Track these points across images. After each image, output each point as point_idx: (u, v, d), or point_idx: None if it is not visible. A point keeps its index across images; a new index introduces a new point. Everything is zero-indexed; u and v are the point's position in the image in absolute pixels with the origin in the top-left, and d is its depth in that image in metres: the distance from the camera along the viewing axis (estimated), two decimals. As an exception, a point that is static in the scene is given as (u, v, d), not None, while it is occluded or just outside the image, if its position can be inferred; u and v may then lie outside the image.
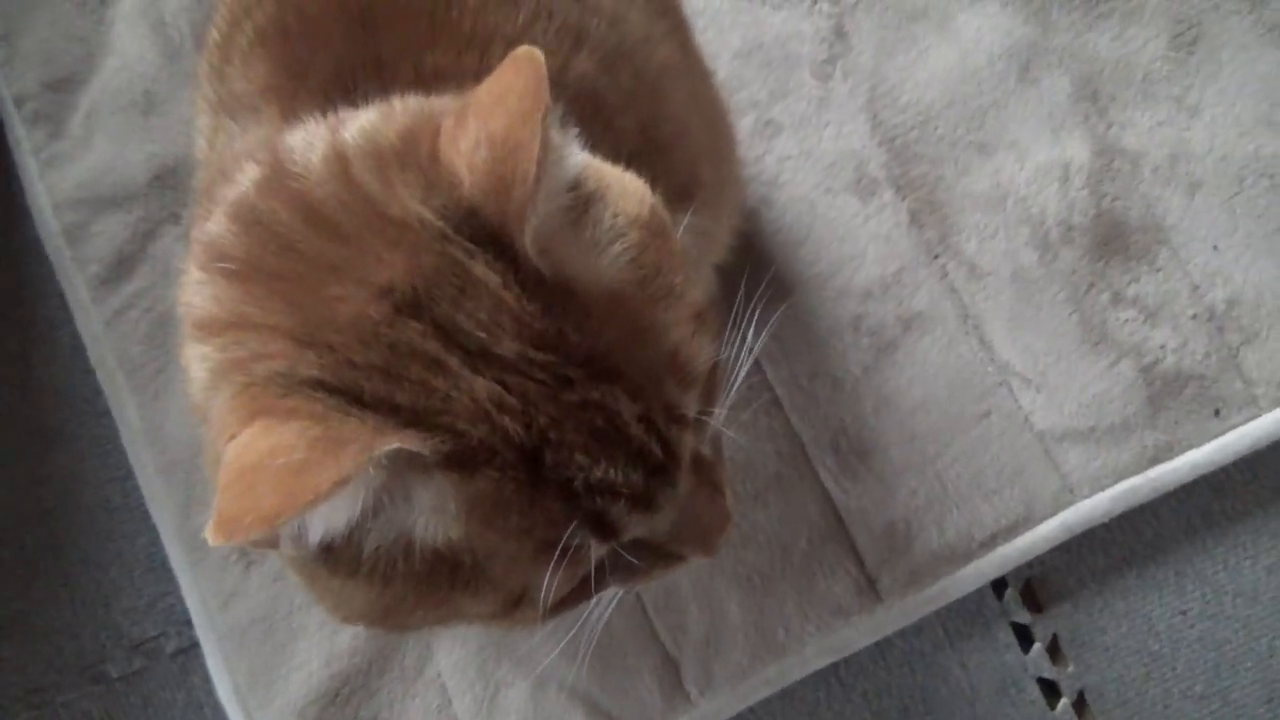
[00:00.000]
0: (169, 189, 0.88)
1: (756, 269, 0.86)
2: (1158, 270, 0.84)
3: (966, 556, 0.82)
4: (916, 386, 0.84)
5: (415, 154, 0.43)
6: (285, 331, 0.41)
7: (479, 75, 0.44)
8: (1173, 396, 0.83)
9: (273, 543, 0.41)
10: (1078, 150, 0.86)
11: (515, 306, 0.41)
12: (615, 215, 0.45)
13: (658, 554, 0.49)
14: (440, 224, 0.41)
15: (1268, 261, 0.84)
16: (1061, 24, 0.88)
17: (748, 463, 0.84)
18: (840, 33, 0.88)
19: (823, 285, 0.86)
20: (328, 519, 0.41)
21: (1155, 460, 0.83)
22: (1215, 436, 0.83)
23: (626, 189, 0.47)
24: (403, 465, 0.40)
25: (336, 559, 0.43)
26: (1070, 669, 0.84)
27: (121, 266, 0.88)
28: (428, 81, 0.49)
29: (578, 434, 0.41)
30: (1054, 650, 0.84)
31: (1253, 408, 0.83)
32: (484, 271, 0.41)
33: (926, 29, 0.88)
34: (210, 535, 0.39)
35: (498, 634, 0.83)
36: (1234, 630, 0.85)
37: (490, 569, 0.44)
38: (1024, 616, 0.84)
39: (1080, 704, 0.84)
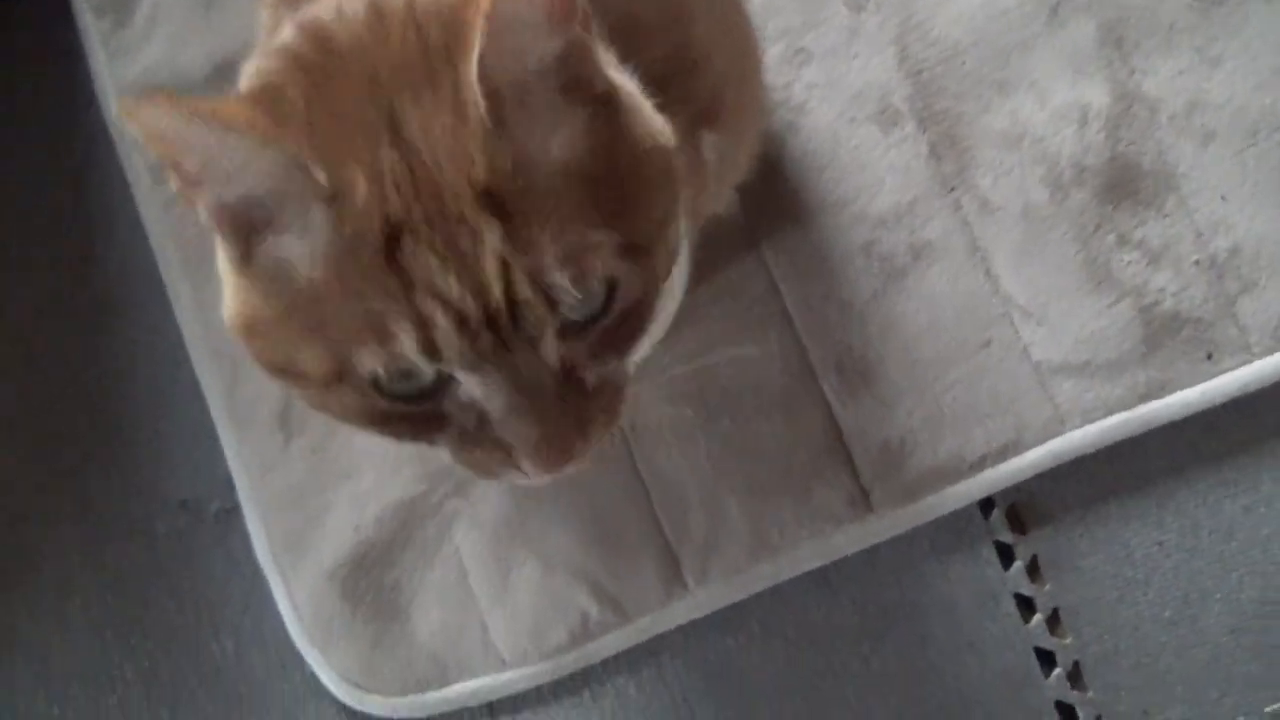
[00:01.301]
0: (227, 82, 0.92)
1: (778, 192, 0.90)
2: (1165, 216, 0.87)
3: (957, 475, 0.87)
4: (922, 313, 0.88)
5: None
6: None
7: None
8: (1169, 337, 0.87)
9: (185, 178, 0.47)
10: (1098, 94, 0.88)
11: (448, 117, 0.45)
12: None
13: (490, 436, 0.50)
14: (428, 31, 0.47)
15: (1273, 214, 0.86)
16: (1094, -32, 0.89)
17: (756, 375, 0.89)
18: (876, -35, 0.91)
19: (839, 211, 0.89)
20: (229, 175, 0.46)
21: (1146, 397, 0.87)
22: (1207, 378, 0.86)
23: (650, 125, 0.51)
24: (299, 179, 0.45)
25: (232, 237, 0.48)
26: (1047, 588, 0.89)
27: (181, 154, 0.93)
28: None
29: (443, 239, 0.45)
30: (1033, 570, 0.89)
31: (1245, 353, 0.86)
32: (442, 77, 0.46)
33: (960, -34, 0.90)
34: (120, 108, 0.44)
35: (510, 510, 0.90)
36: (1207, 563, 0.89)
37: (327, 323, 0.46)
38: (1007, 536, 0.89)
39: (1054, 620, 0.89)
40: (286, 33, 0.50)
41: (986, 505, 0.90)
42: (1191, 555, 0.90)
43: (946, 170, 0.89)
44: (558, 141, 0.47)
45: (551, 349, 0.48)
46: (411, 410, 0.50)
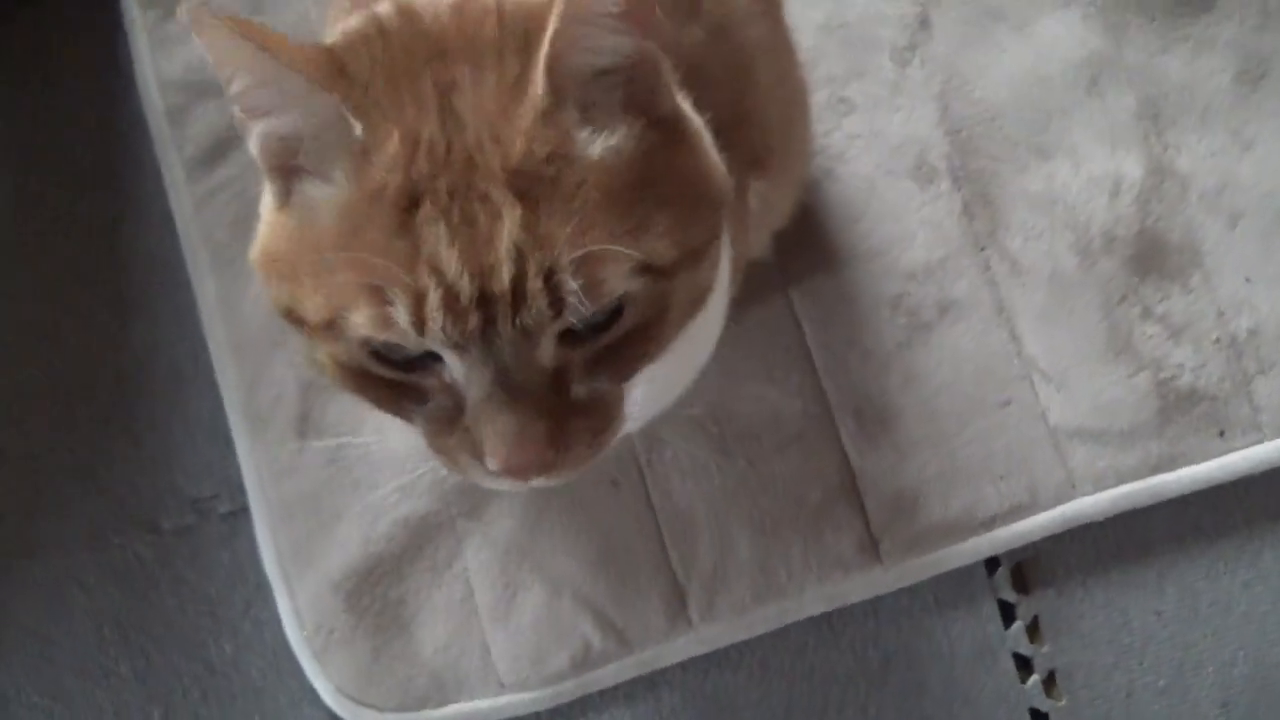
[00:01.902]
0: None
1: (810, 237, 0.91)
2: (1189, 292, 0.89)
3: (966, 532, 0.88)
4: (944, 368, 0.89)
5: None
6: None
7: None
8: (1183, 412, 0.88)
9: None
10: (1132, 166, 0.90)
11: (505, 99, 0.46)
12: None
13: (463, 425, 0.49)
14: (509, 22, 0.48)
15: (1294, 299, 0.88)
16: (1137, 43, 0.91)
17: (775, 415, 0.90)
18: (924, 22, 0.92)
19: (871, 261, 0.90)
20: (277, 109, 0.47)
21: (1157, 469, 0.88)
22: (1217, 455, 0.88)
23: (707, 160, 0.52)
24: (338, 128, 0.46)
25: (274, 171, 0.49)
26: (1045, 649, 0.90)
27: (216, 152, 0.93)
28: None
29: (460, 212, 0.45)
30: (1033, 629, 0.90)
31: (1257, 433, 0.88)
32: (510, 63, 0.47)
33: (1006, 30, 0.92)
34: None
35: (521, 533, 0.90)
36: (1203, 635, 0.91)
37: (333, 276, 0.46)
38: (1010, 595, 0.90)
39: (1049, 681, 0.90)
40: (383, 4, 0.51)
41: (992, 562, 0.91)
42: (1188, 627, 0.91)
43: (979, 229, 0.90)
44: (603, 144, 0.47)
45: (548, 350, 0.47)
46: (396, 378, 0.49)
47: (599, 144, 0.47)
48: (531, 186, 0.45)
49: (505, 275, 0.44)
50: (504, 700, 0.89)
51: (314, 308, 0.47)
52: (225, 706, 0.92)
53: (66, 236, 0.96)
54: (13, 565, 0.94)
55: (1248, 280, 0.88)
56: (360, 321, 0.45)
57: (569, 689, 0.89)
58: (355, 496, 0.90)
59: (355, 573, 0.89)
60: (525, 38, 0.47)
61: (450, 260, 0.44)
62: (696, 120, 0.53)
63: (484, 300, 0.45)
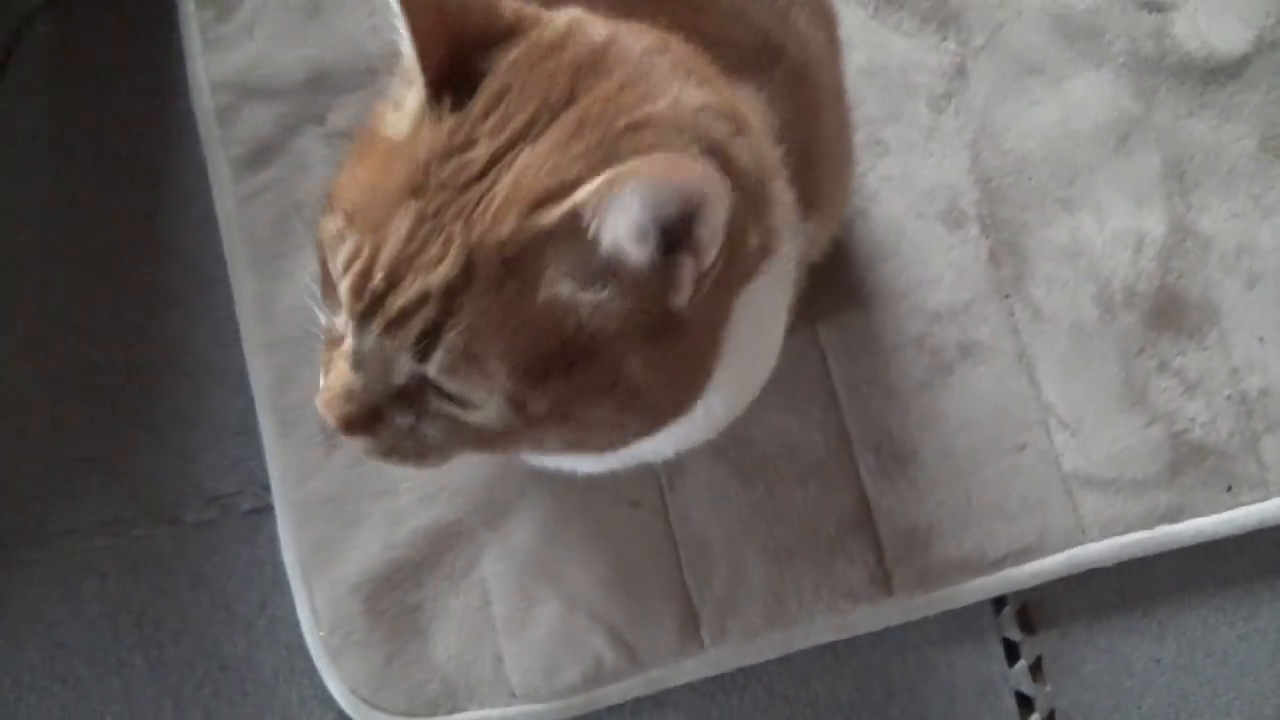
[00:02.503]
0: (319, 92, 0.95)
1: (839, 273, 0.93)
2: (1204, 349, 0.91)
3: (977, 570, 0.90)
4: (963, 409, 0.91)
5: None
6: None
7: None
8: (1193, 465, 0.90)
9: None
10: (1155, 224, 0.92)
11: (550, 161, 0.49)
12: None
13: (331, 355, 0.56)
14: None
15: (1305, 362, 0.91)
16: (1166, 105, 0.94)
17: (796, 446, 0.91)
18: (961, 71, 0.95)
19: (898, 300, 0.92)
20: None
21: (1164, 519, 0.90)
22: (1224, 509, 0.90)
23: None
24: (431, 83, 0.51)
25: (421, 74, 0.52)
26: (1047, 689, 0.92)
27: (262, 153, 0.95)
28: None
29: (424, 233, 0.49)
30: (1035, 669, 0.92)
31: (1263, 490, 0.90)
32: (586, 135, 0.50)
33: (1040, 84, 0.94)
34: None
35: (539, 546, 0.91)
36: (1200, 684, 0.93)
37: (352, 166, 0.54)
38: (1015, 634, 0.92)
39: (1049, 721, 0.92)
40: (566, 14, 0.54)
41: (999, 601, 0.93)
42: (1186, 675, 0.93)
43: (1004, 276, 0.92)
44: (560, 295, 0.49)
45: (400, 372, 0.52)
46: (333, 281, 0.53)
47: (560, 289, 0.49)
48: (482, 267, 0.48)
49: (400, 303, 0.49)
50: (514, 710, 0.90)
51: (336, 178, 0.54)
52: (236, 703, 0.93)
53: (105, 228, 0.97)
54: (31, 551, 0.94)
55: (1261, 340, 0.91)
56: (330, 225, 0.52)
57: (578, 703, 0.90)
58: (378, 502, 0.91)
59: (374, 576, 0.91)
60: (612, 144, 0.49)
61: (385, 255, 0.49)
62: (713, 334, 0.55)
63: (381, 298, 0.50)
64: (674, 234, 0.48)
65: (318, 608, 0.91)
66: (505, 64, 0.51)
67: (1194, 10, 0.95)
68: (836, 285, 0.93)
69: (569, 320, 0.50)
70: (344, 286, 0.51)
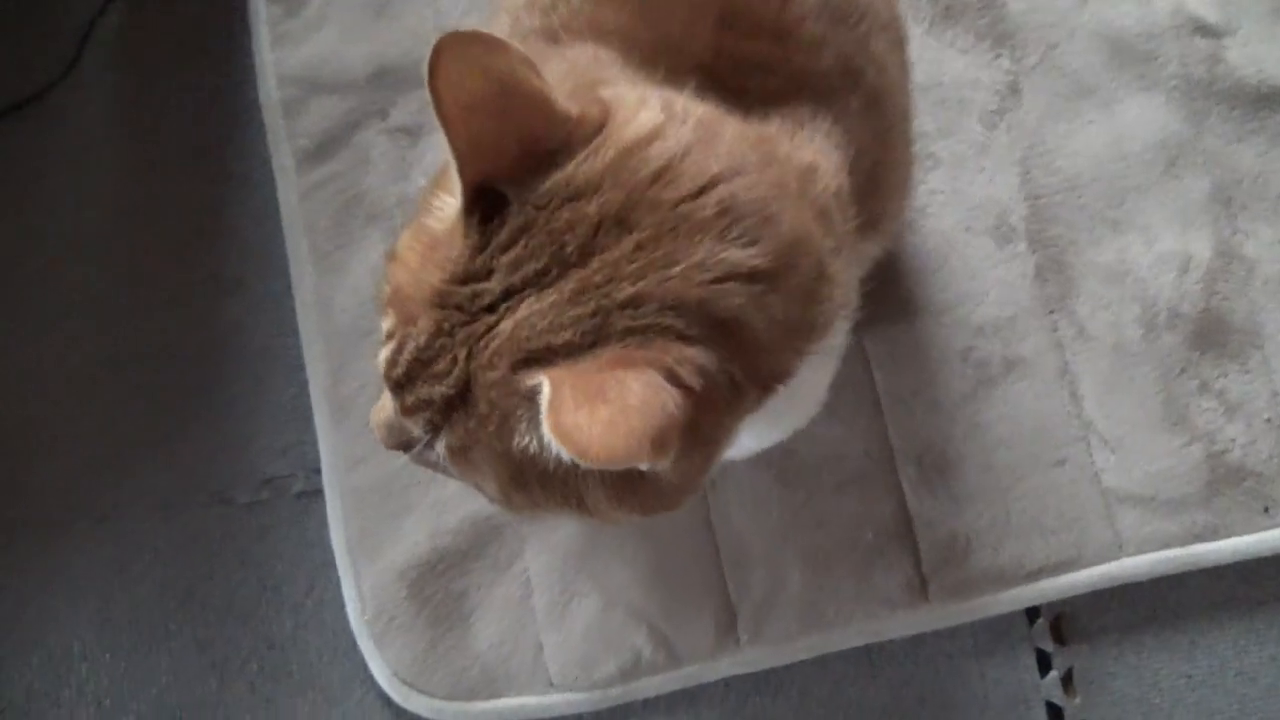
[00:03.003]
0: (383, 88, 0.97)
1: (887, 285, 0.95)
2: (1246, 372, 0.92)
3: (1013, 581, 0.91)
4: (1005, 423, 0.93)
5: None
6: None
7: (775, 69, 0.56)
8: (1230, 486, 0.91)
9: None
10: (1201, 247, 0.94)
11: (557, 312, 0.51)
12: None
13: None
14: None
15: (1347, 388, 0.92)
16: (1215, 130, 0.95)
17: (839, 455, 0.93)
18: (1014, 89, 0.96)
19: (943, 313, 0.94)
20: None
21: (1200, 538, 0.91)
22: (1259, 530, 0.91)
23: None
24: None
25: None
26: (1077, 701, 0.93)
27: (326, 147, 0.97)
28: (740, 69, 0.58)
29: (448, 338, 0.52)
30: (1067, 681, 0.94)
31: (1299, 513, 0.91)
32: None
33: (1092, 105, 0.96)
34: None
35: (581, 541, 0.93)
36: (1228, 703, 0.94)
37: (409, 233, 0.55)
38: (1048, 645, 0.93)
39: (1078, 733, 0.93)
40: (650, 116, 0.53)
41: (1032, 612, 0.94)
42: (1214, 693, 0.94)
43: (1050, 293, 0.94)
44: (531, 449, 0.51)
45: (416, 424, 0.55)
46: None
47: (529, 442, 0.51)
48: (474, 396, 0.51)
49: (411, 399, 0.53)
50: (551, 699, 0.92)
51: (403, 238, 0.56)
52: (281, 681, 0.95)
53: (170, 215, 1.00)
54: (85, 526, 0.97)
55: (1304, 366, 0.92)
56: (384, 288, 0.55)
57: (614, 695, 0.92)
58: (426, 491, 0.93)
59: (421, 563, 0.93)
60: (604, 320, 0.50)
61: (405, 355, 0.52)
62: (688, 477, 0.56)
63: (399, 386, 0.54)
64: None
65: (364, 592, 0.93)
66: (539, 196, 0.51)
67: (1247, 36, 0.96)
68: (883, 297, 0.94)
69: (543, 459, 0.52)
70: (382, 357, 0.54)
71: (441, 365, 0.51)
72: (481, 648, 0.92)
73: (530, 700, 0.92)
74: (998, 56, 0.96)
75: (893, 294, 0.94)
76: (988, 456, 0.92)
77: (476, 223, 0.51)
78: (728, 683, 0.93)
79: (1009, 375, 0.93)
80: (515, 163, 0.50)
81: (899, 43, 0.71)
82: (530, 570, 0.93)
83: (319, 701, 0.95)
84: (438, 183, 0.56)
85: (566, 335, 0.50)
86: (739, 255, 0.51)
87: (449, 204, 0.53)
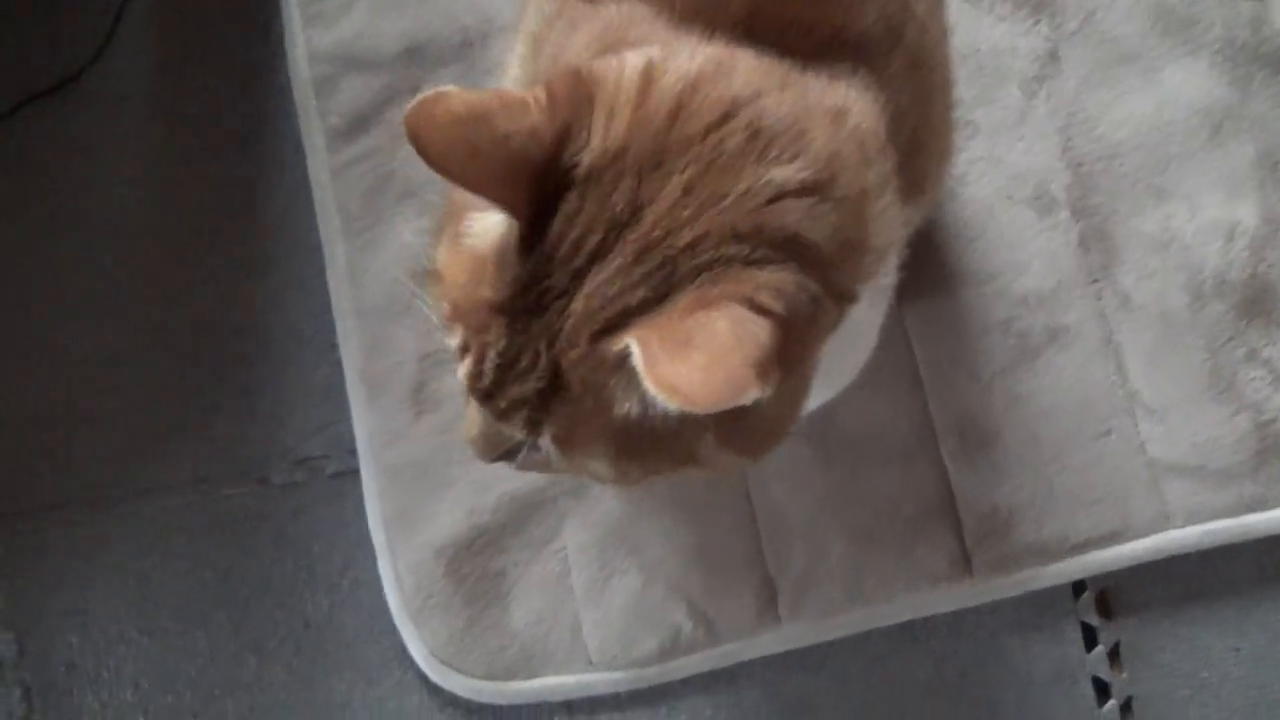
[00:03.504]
0: (415, 64, 0.97)
1: (925, 255, 0.93)
2: (1294, 340, 0.91)
3: (1058, 554, 0.90)
4: (1048, 394, 0.91)
5: None
6: None
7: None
8: (1279, 456, 0.90)
9: None
10: (1247, 214, 0.92)
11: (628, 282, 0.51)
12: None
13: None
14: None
15: (1398, 355, 0.90)
16: (1260, 95, 0.93)
17: (879, 428, 0.92)
18: (1053, 56, 0.95)
19: (984, 284, 0.93)
20: None
21: (1250, 509, 0.90)
22: (1309, 501, 0.89)
23: None
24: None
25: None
26: (1124, 675, 0.92)
27: (358, 124, 0.97)
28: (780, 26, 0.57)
29: (521, 337, 0.52)
30: (1113, 656, 0.92)
31: (1350, 483, 0.90)
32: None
33: (1133, 72, 0.94)
34: None
35: (620, 518, 0.92)
36: (1278, 676, 0.92)
37: (455, 251, 0.55)
38: (1094, 620, 0.92)
39: (1126, 709, 0.92)
40: (633, 71, 0.53)
41: (1077, 586, 0.92)
42: (1264, 666, 0.92)
43: (1093, 262, 0.92)
44: (634, 414, 0.51)
45: (514, 432, 0.55)
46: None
47: (630, 406, 0.51)
48: (565, 380, 0.51)
49: (503, 404, 0.53)
50: (590, 678, 0.91)
51: (441, 255, 0.56)
52: (318, 661, 0.95)
53: (204, 193, 1.00)
54: (121, 505, 0.97)
55: (1354, 333, 0.90)
56: (442, 304, 0.55)
57: (653, 674, 0.91)
58: (464, 468, 0.93)
59: (458, 541, 0.92)
60: (671, 268, 0.50)
61: (489, 363, 0.52)
62: (787, 403, 0.56)
63: (491, 393, 0.54)
64: None
65: (400, 571, 0.93)
66: (576, 178, 0.51)
67: (1292, -1, 0.94)
68: (922, 269, 0.93)
69: (648, 421, 0.52)
70: (463, 372, 0.54)
71: (525, 362, 0.52)
72: (519, 626, 0.92)
73: (569, 679, 0.92)
74: (1036, 23, 0.95)
75: (932, 265, 0.93)
76: (1030, 429, 0.91)
77: (523, 239, 0.51)
78: (767, 660, 0.92)
79: (1051, 346, 0.91)
80: (523, 179, 0.51)
81: (939, 3, 0.70)
82: (569, 548, 0.92)
83: (356, 681, 0.94)
84: (460, 207, 0.56)
85: (639, 294, 0.49)
86: (784, 173, 0.51)
87: (482, 221, 0.54)
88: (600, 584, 0.92)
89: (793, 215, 0.51)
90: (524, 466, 0.60)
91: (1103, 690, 0.92)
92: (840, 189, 0.53)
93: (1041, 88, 0.94)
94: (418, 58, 0.97)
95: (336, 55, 0.97)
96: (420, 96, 0.49)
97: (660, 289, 0.49)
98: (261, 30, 1.00)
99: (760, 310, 0.48)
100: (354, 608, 0.95)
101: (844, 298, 0.54)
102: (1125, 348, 0.91)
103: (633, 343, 0.48)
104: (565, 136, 0.51)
